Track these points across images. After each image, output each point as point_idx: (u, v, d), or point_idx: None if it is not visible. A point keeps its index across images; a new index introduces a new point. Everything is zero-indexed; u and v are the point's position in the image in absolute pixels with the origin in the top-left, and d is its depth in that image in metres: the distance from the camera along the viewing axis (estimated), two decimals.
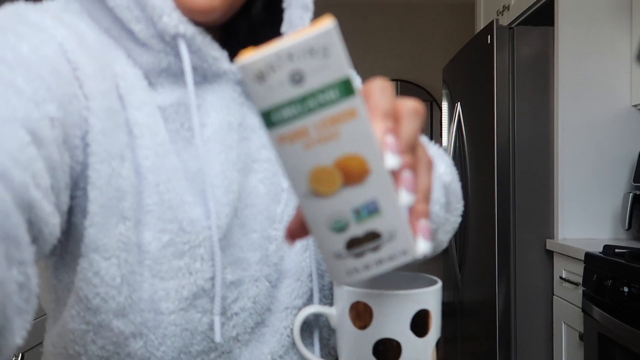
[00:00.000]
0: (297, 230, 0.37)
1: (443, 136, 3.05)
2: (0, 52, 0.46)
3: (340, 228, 0.33)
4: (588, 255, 1.76)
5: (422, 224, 0.35)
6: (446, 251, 2.88)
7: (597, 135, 2.08)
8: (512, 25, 2.19)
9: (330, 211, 0.33)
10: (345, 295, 0.59)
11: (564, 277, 1.99)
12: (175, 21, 0.53)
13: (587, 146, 2.08)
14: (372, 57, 4.57)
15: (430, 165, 0.36)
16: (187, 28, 0.54)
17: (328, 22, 0.31)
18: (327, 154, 0.32)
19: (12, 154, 0.38)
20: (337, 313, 0.61)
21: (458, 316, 2.66)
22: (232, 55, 0.60)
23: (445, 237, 0.63)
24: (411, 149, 0.34)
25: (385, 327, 0.57)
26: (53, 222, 0.43)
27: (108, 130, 0.51)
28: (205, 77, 0.59)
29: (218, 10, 0.55)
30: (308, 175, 0.32)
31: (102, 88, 0.52)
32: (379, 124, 0.33)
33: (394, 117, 0.35)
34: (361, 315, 0.58)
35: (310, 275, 0.63)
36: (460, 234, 2.59)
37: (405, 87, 4.63)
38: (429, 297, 0.59)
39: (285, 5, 0.60)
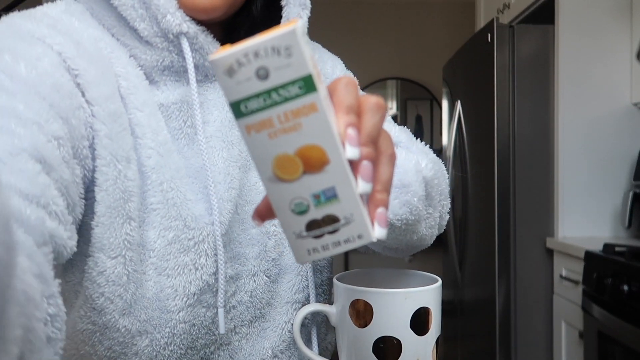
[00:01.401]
0: (265, 212, 0.39)
1: (443, 134, 3.05)
2: None
3: (301, 211, 0.37)
4: (588, 254, 1.76)
5: (380, 211, 0.37)
6: (446, 249, 2.88)
7: (597, 133, 2.08)
8: (513, 24, 2.18)
9: (292, 195, 0.36)
10: (345, 293, 0.59)
11: (564, 275, 1.99)
12: (178, 20, 0.54)
13: (587, 144, 2.08)
14: (373, 55, 4.57)
15: (392, 158, 0.39)
16: (190, 27, 0.55)
17: (293, 24, 0.33)
18: (290, 144, 0.35)
19: (25, 191, 0.39)
20: (337, 311, 0.61)
21: (458, 314, 2.66)
22: None
23: (428, 231, 0.63)
24: (372, 142, 0.37)
25: (385, 325, 0.57)
26: (71, 244, 0.44)
27: (114, 134, 0.52)
28: (206, 75, 0.60)
29: (220, 8, 0.56)
30: (272, 162, 0.35)
31: (105, 93, 0.52)
32: (341, 117, 0.35)
33: (357, 112, 0.37)
34: (361, 313, 0.58)
35: (311, 269, 0.65)
36: (460, 232, 2.59)
37: (405, 85, 4.62)
38: (429, 295, 0.59)
39: (283, 3, 0.61)
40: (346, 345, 0.60)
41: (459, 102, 2.59)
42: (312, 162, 0.35)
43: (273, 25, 0.61)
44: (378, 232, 0.37)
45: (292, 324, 0.64)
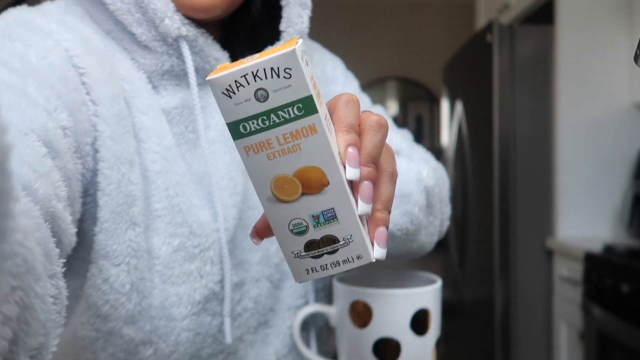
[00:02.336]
0: (263, 230, 0.39)
1: (443, 134, 3.05)
2: (10, 60, 0.46)
3: (299, 232, 0.36)
4: (588, 254, 1.76)
5: (380, 231, 0.37)
6: (446, 250, 2.87)
7: (597, 133, 2.08)
8: (512, 24, 2.18)
9: (290, 216, 0.36)
10: (345, 294, 0.59)
11: (563, 275, 1.99)
12: (177, 23, 0.53)
13: (587, 144, 2.08)
14: (373, 55, 4.57)
15: (394, 176, 0.38)
16: (189, 30, 0.54)
17: (292, 44, 0.33)
18: (288, 165, 0.34)
19: (33, 166, 0.38)
20: (337, 312, 0.61)
21: (458, 315, 2.66)
22: (233, 55, 0.60)
23: (429, 239, 0.63)
24: (373, 161, 0.36)
25: (385, 326, 0.57)
26: (71, 232, 0.43)
27: (117, 135, 0.51)
28: (207, 76, 0.59)
29: (219, 7, 0.55)
30: (270, 182, 0.35)
31: (110, 93, 0.52)
32: (341, 137, 0.35)
33: (358, 130, 0.36)
34: (361, 314, 0.58)
35: None
36: (461, 232, 2.59)
37: (405, 85, 4.62)
38: (429, 296, 0.59)
39: (283, 3, 0.60)
40: (346, 346, 0.60)
41: (459, 102, 2.59)
42: (311, 183, 0.35)
43: (273, 25, 0.61)
44: (377, 253, 0.37)
45: (291, 330, 0.64)
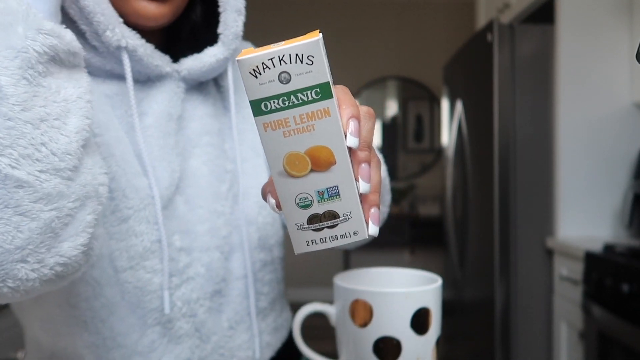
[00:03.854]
0: (279, 201, 0.42)
1: (443, 134, 3.04)
2: None
3: (304, 205, 0.40)
4: (588, 254, 1.76)
5: (373, 211, 0.41)
6: (446, 249, 2.88)
7: (597, 133, 2.08)
8: (513, 24, 2.18)
9: (298, 190, 0.40)
10: (345, 293, 0.59)
11: (564, 275, 1.99)
12: (118, 36, 0.59)
13: (587, 144, 2.08)
14: (373, 54, 4.57)
15: (379, 163, 0.42)
16: (128, 42, 0.60)
17: (315, 35, 0.36)
18: (301, 143, 0.38)
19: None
20: (337, 311, 0.61)
21: (458, 314, 2.66)
22: (175, 54, 0.68)
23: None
24: (368, 145, 0.40)
25: (386, 325, 0.57)
26: None
27: None
28: (149, 77, 0.65)
29: (167, 15, 0.62)
30: (283, 158, 0.39)
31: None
32: (344, 110, 0.39)
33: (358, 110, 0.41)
34: (361, 313, 0.58)
35: (257, 248, 0.71)
36: (461, 232, 2.59)
37: (405, 85, 4.62)
38: (429, 295, 0.59)
39: (221, 9, 0.66)
40: (346, 345, 0.60)
41: (459, 102, 2.59)
42: (320, 161, 0.39)
43: (211, 29, 0.69)
44: (372, 230, 0.41)
45: (242, 297, 0.69)
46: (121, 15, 0.60)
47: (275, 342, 0.74)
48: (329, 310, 0.62)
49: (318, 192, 0.40)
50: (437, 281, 0.62)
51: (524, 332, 2.13)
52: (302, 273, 4.41)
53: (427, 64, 4.55)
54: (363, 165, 0.40)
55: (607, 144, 2.08)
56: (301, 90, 0.37)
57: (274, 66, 0.36)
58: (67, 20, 0.59)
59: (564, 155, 2.08)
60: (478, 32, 2.31)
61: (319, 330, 1.16)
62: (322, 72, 0.36)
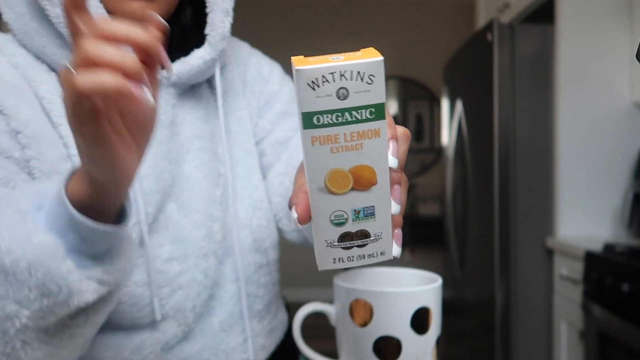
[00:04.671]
0: (305, 217, 0.42)
1: (443, 134, 3.04)
2: None
3: (339, 223, 0.40)
4: (588, 253, 1.76)
5: (397, 231, 0.42)
6: (446, 249, 2.87)
7: (597, 132, 2.08)
8: (513, 23, 2.18)
9: (334, 207, 0.39)
10: (345, 293, 0.59)
11: (564, 274, 1.99)
12: None
13: (587, 144, 2.08)
14: None
15: (407, 184, 0.42)
16: None
17: (377, 55, 0.36)
18: (348, 161, 0.38)
19: None
20: (337, 311, 0.61)
21: (458, 314, 2.66)
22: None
23: None
24: (402, 167, 0.41)
25: (386, 324, 0.57)
26: None
27: (37, 154, 0.58)
28: None
29: None
30: (326, 174, 0.38)
31: (27, 116, 0.58)
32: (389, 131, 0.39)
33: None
34: (361, 313, 0.58)
35: (251, 251, 0.70)
36: (461, 232, 2.59)
37: (406, 85, 4.62)
38: (429, 294, 0.59)
39: (208, 10, 0.66)
40: (346, 344, 0.60)
41: (459, 101, 2.59)
42: (363, 181, 0.38)
43: (200, 30, 0.68)
44: (396, 251, 0.42)
45: (236, 300, 0.69)
46: (112, 18, 0.60)
47: (270, 345, 0.74)
48: (329, 309, 0.62)
49: (354, 210, 0.39)
50: (437, 281, 0.62)
51: (524, 332, 2.14)
52: (302, 273, 4.41)
53: (427, 64, 4.55)
54: (396, 186, 0.40)
55: (607, 143, 2.08)
56: (357, 108, 0.36)
57: (334, 81, 0.35)
58: (49, 37, 0.60)
59: (563, 154, 2.08)
60: (478, 32, 2.31)
61: (319, 330, 1.16)
62: (380, 92, 0.36)
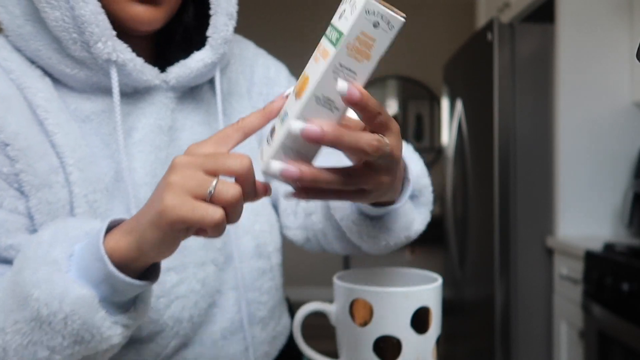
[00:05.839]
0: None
1: (443, 133, 3.04)
2: None
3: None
4: (588, 253, 1.76)
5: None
6: (446, 248, 2.88)
7: (597, 132, 2.08)
8: (513, 23, 2.18)
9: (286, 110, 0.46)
10: (345, 293, 0.59)
11: (564, 274, 1.99)
12: (109, 49, 0.58)
13: (587, 143, 2.08)
14: None
15: (389, 131, 0.46)
16: (119, 56, 0.59)
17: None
18: (309, 69, 0.44)
19: None
20: (337, 310, 0.61)
21: (458, 313, 2.66)
22: (167, 57, 0.67)
23: (422, 226, 0.71)
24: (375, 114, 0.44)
25: (386, 324, 0.57)
26: None
27: (26, 166, 0.56)
28: (136, 89, 0.63)
29: (161, 20, 0.61)
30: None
31: (14, 129, 0.56)
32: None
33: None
34: (361, 312, 0.58)
35: (254, 257, 0.70)
36: (461, 232, 2.59)
37: (406, 84, 4.62)
38: (429, 294, 0.59)
39: (212, 12, 0.65)
40: (346, 344, 0.60)
41: (459, 101, 2.59)
42: (299, 85, 0.45)
43: (202, 32, 0.68)
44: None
45: (238, 307, 0.69)
46: (116, 21, 0.59)
47: (273, 351, 0.73)
48: (329, 309, 0.62)
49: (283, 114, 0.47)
50: (437, 280, 0.62)
51: (524, 332, 2.14)
52: (302, 273, 4.41)
53: (427, 64, 4.55)
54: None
55: (607, 143, 2.08)
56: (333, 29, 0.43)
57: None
58: (44, 41, 0.58)
59: (564, 154, 2.08)
60: (478, 31, 2.31)
61: (319, 330, 1.16)
62: (354, 28, 0.41)
